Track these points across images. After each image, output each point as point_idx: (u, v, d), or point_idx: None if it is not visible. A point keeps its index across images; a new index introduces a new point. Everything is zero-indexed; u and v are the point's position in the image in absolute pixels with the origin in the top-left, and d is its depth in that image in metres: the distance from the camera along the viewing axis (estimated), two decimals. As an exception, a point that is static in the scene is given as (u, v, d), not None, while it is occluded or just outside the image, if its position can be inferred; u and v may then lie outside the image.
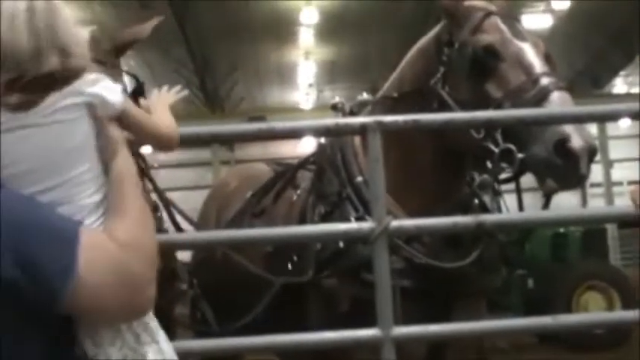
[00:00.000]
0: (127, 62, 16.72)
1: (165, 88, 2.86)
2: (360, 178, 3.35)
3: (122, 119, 2.35)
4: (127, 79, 3.47)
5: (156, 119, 2.59)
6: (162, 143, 2.58)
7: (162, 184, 3.64)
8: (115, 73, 3.14)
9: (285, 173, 4.13)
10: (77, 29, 2.39)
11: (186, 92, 2.95)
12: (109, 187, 2.19)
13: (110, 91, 2.32)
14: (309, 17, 16.30)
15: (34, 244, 1.81)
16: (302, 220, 3.54)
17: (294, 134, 3.44)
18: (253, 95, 19.59)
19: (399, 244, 3.07)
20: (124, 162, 2.28)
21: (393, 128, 2.99)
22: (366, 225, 2.87)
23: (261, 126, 3.19)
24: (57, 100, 2.22)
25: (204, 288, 4.04)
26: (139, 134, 2.45)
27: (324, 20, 16.16)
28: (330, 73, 18.85)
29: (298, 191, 3.85)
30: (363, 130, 2.96)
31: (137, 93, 3.03)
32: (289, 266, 3.47)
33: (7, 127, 2.18)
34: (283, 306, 3.48)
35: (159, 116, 2.63)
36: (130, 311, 1.96)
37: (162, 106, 2.73)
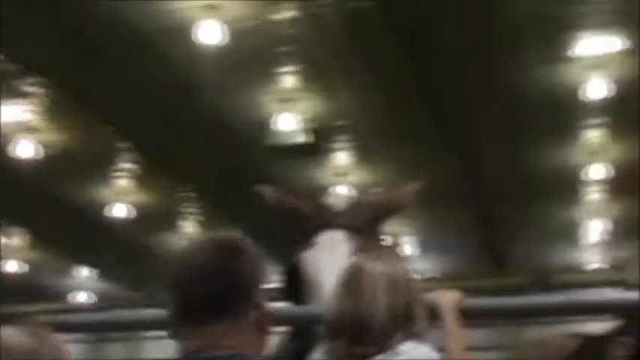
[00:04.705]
0: (412, 220, 16.55)
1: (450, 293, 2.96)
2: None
3: None
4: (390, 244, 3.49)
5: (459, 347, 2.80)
6: None
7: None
8: (372, 244, 3.14)
9: (589, 347, 3.76)
10: (422, 299, 2.60)
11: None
12: None
13: None
14: (595, 173, 15.91)
15: None
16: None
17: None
18: (536, 254, 19.09)
19: None
20: None
21: None
22: None
23: (566, 299, 2.98)
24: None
25: None
26: None
27: (614, 176, 15.67)
28: (617, 231, 18.01)
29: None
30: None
31: None
32: None
33: None
34: None
35: (459, 339, 2.82)
36: None
37: (455, 312, 2.83)
